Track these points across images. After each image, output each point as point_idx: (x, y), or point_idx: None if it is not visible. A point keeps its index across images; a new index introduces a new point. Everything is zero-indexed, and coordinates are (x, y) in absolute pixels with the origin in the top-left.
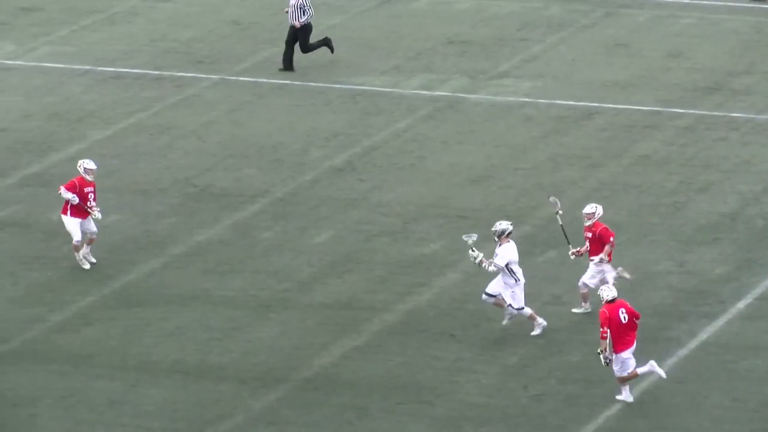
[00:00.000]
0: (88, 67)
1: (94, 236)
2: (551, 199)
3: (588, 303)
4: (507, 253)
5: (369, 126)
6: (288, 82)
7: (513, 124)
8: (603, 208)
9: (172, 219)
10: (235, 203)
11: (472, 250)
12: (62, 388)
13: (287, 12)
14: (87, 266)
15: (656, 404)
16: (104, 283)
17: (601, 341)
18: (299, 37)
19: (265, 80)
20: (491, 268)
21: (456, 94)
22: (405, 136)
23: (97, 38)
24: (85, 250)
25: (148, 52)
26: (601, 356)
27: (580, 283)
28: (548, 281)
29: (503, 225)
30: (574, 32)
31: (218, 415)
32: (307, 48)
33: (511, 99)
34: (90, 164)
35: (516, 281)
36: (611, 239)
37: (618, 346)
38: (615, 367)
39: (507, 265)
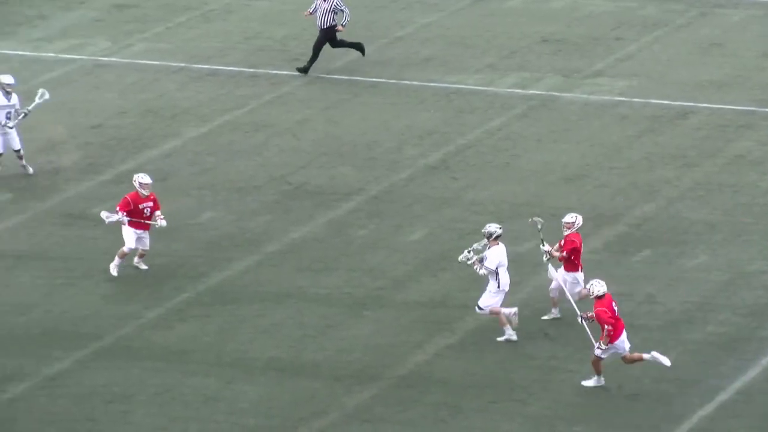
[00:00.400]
0: (182, 65)
1: (145, 252)
2: (534, 219)
3: (557, 309)
4: (497, 256)
5: (463, 124)
6: (382, 80)
7: (607, 123)
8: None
9: (266, 216)
10: (329, 201)
11: (469, 252)
12: (156, 385)
13: (311, 15)
14: (115, 273)
15: (750, 404)
16: (199, 280)
17: (603, 338)
18: (320, 36)
19: (359, 78)
20: (482, 272)
21: (550, 93)
22: (499, 134)
23: (192, 35)
24: (136, 259)
25: (242, 49)
26: (599, 349)
27: (551, 288)
28: (642, 281)
29: (491, 228)
30: (669, 32)
31: (312, 412)
32: (316, 49)
33: (606, 98)
34: (145, 178)
35: (497, 287)
36: (571, 249)
37: (615, 337)
38: (606, 353)
39: (496, 269)
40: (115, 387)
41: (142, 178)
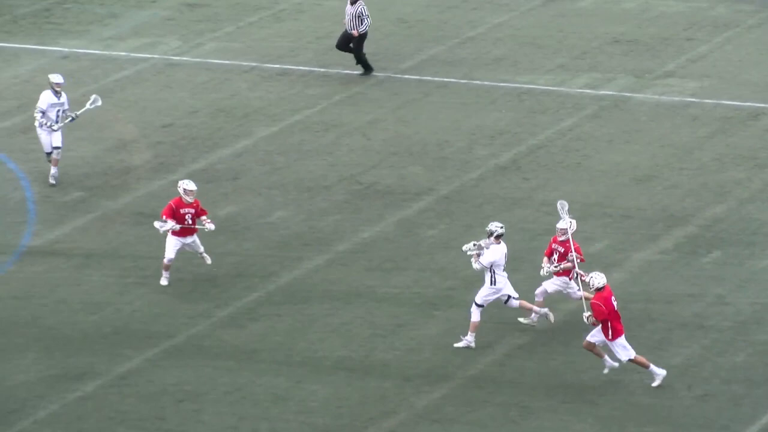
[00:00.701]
0: (254, 64)
1: (202, 253)
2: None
3: (535, 316)
4: (492, 254)
5: (534, 124)
6: (453, 80)
7: (678, 124)
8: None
9: (336, 216)
10: (399, 201)
11: (474, 244)
12: (227, 384)
13: (345, 23)
14: (165, 283)
15: None
16: (269, 279)
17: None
18: (355, 43)
19: (430, 78)
20: (476, 266)
21: (621, 94)
22: (570, 134)
23: (263, 35)
24: (204, 254)
25: (313, 49)
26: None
27: (537, 291)
28: (712, 282)
29: (491, 226)
30: (740, 32)
31: (382, 412)
32: (360, 57)
33: (677, 99)
34: (190, 185)
35: (491, 285)
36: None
37: (616, 333)
38: (619, 352)
39: (491, 267)
40: (185, 386)
41: (186, 185)
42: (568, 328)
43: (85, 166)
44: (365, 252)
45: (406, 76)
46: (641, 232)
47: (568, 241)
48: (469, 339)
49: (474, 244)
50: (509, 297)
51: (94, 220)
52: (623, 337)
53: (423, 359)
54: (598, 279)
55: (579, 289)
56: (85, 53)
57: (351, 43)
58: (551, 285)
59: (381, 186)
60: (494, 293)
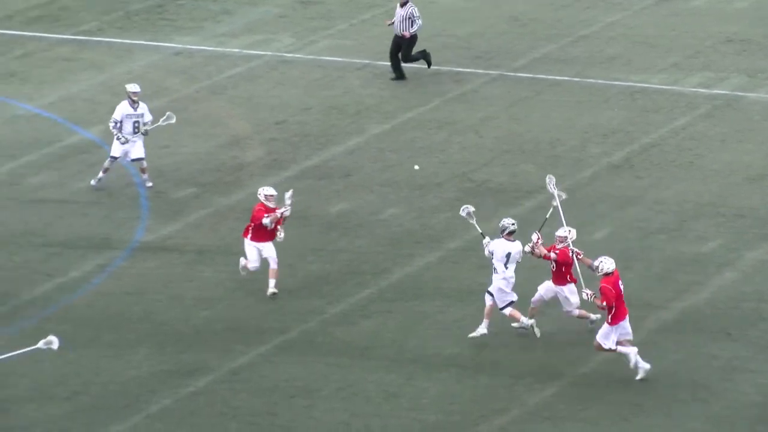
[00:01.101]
0: (366, 61)
1: (275, 265)
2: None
3: (530, 320)
4: (493, 245)
5: (647, 123)
6: (566, 78)
7: None
8: None
9: (448, 213)
10: (511, 198)
11: (476, 228)
12: (338, 380)
13: (391, 24)
14: (273, 291)
15: None
16: (381, 276)
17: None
18: (404, 46)
19: (543, 76)
20: (486, 254)
21: (734, 93)
22: (683, 134)
23: (376, 32)
24: (273, 282)
25: (426, 47)
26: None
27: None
28: None
29: (503, 222)
30: None
31: (493, 409)
32: (409, 58)
33: None
34: (270, 191)
35: (494, 272)
36: (563, 261)
37: (615, 318)
38: (608, 336)
39: (491, 259)
40: (297, 382)
41: (267, 191)
42: (680, 327)
43: (198, 163)
44: (476, 249)
45: (519, 74)
46: (754, 231)
47: (566, 248)
48: (480, 332)
49: (468, 214)
50: (492, 295)
51: (207, 216)
52: (626, 321)
53: (534, 357)
54: (607, 264)
55: (578, 307)
56: (198, 50)
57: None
58: (549, 291)
59: (493, 184)
60: (498, 283)
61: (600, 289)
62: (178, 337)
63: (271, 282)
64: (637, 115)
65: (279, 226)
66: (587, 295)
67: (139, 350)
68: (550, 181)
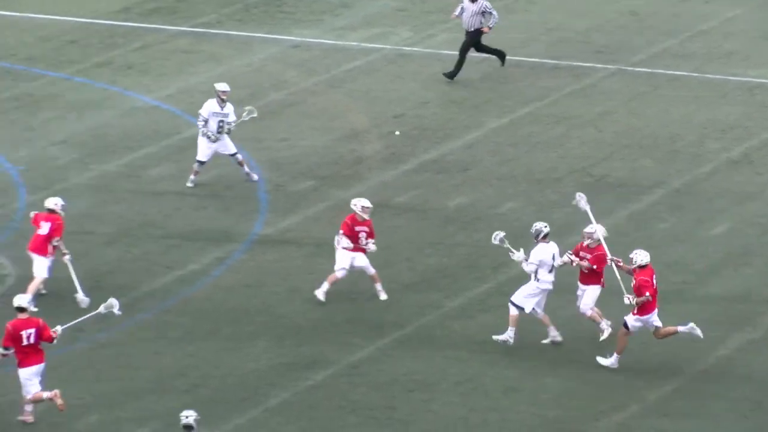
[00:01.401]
0: (485, 55)
1: (372, 271)
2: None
3: (603, 321)
4: (536, 254)
5: (766, 119)
6: (684, 73)
7: None
8: None
9: (567, 208)
10: (630, 194)
11: (510, 251)
12: (457, 374)
13: (457, 17)
14: (322, 298)
15: None
16: (499, 270)
17: (637, 298)
18: (467, 39)
19: (661, 71)
20: (527, 269)
21: None
22: None
23: (494, 27)
24: (378, 286)
25: (544, 41)
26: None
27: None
28: None
29: (536, 227)
30: None
31: (612, 405)
32: (463, 52)
33: None
34: (366, 202)
35: (536, 280)
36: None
37: (642, 310)
38: (632, 323)
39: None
40: (416, 375)
41: (364, 202)
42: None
43: (316, 156)
44: None
45: (637, 69)
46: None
47: (599, 246)
48: (509, 334)
49: (501, 240)
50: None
51: (326, 209)
52: (653, 314)
53: (653, 353)
54: (641, 256)
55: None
56: (316, 43)
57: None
58: (590, 297)
59: (612, 179)
60: (537, 293)
61: (638, 282)
62: (297, 330)
63: (378, 286)
64: (755, 110)
65: (370, 240)
66: (628, 299)
67: (257, 343)
68: (581, 199)
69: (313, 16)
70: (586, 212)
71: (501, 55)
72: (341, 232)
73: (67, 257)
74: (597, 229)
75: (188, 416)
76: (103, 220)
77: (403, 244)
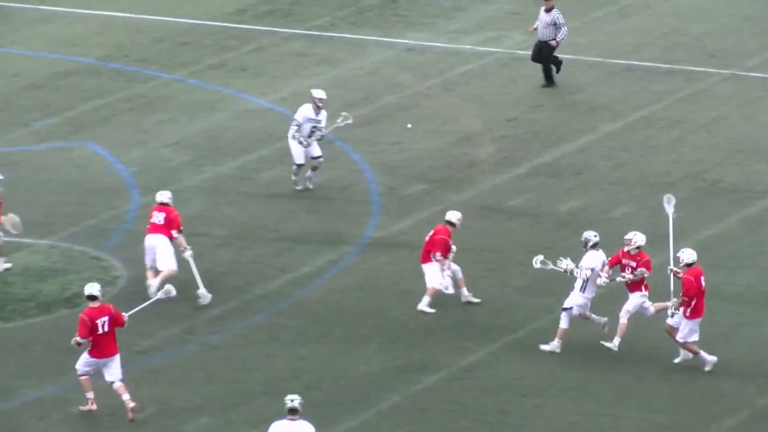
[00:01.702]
0: (599, 59)
1: (459, 273)
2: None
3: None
4: (591, 261)
5: None
6: None
7: None
8: None
9: (680, 213)
10: (744, 199)
11: (555, 265)
12: (569, 379)
13: (535, 30)
14: (427, 309)
15: None
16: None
17: (681, 306)
18: (547, 53)
19: None
20: (581, 275)
21: None
22: None
23: (608, 30)
24: (465, 293)
25: (658, 45)
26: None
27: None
28: None
29: (585, 235)
30: None
31: (723, 410)
32: (558, 63)
33: None
34: (459, 215)
35: (581, 290)
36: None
37: (694, 312)
38: (683, 331)
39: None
40: (528, 380)
41: (459, 215)
42: None
43: (429, 159)
44: (709, 249)
45: (752, 74)
46: None
47: (641, 253)
48: (555, 344)
49: (542, 262)
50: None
51: (438, 213)
52: (701, 319)
53: (765, 358)
54: (688, 254)
55: (652, 304)
56: (430, 46)
57: (542, 53)
58: (631, 304)
59: (725, 183)
60: (586, 301)
61: (682, 281)
62: (408, 333)
63: (464, 291)
64: None
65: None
66: (672, 305)
67: (369, 346)
68: (669, 201)
69: (426, 20)
70: (667, 216)
71: (558, 63)
72: (439, 254)
73: (188, 253)
74: (637, 237)
75: (293, 399)
76: (216, 222)
77: (516, 248)
